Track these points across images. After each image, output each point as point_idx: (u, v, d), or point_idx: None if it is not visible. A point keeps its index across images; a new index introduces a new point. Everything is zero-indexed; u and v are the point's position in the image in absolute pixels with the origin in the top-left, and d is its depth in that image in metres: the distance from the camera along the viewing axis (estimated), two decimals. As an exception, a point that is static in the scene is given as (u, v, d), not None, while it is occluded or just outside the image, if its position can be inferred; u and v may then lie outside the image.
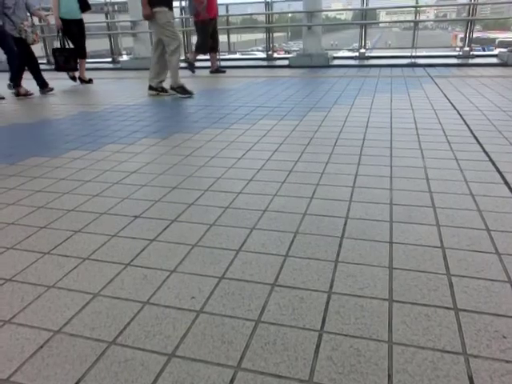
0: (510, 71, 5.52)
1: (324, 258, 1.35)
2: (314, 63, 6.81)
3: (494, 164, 2.13)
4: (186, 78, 5.67)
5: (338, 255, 1.36)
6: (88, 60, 5.85)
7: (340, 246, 1.42)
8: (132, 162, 2.43)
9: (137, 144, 2.80)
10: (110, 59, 8.87)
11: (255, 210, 1.72)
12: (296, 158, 2.35)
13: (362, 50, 7.50)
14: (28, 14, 5.29)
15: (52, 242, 1.53)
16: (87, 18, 5.94)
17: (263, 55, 8.44)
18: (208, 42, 6.26)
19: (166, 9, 4.39)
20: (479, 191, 1.81)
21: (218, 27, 6.86)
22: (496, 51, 7.47)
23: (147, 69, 7.81)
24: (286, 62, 7.21)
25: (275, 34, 8.37)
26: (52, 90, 5.31)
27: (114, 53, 8.91)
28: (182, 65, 5.53)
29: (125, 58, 8.86)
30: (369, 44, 8.65)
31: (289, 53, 9.01)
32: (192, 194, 1.91)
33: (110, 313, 1.14)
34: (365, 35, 7.54)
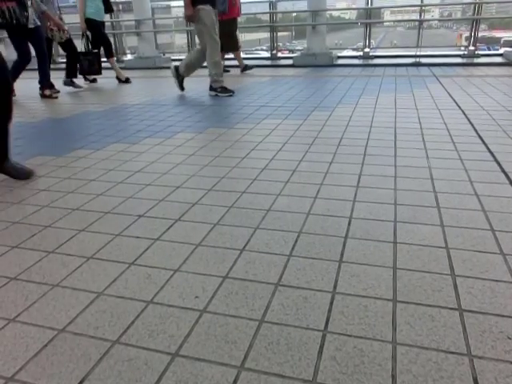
0: (515, 70, 5.49)
1: (328, 257, 1.35)
2: (319, 62, 6.80)
3: (499, 164, 2.12)
4: (188, 78, 5.66)
5: (341, 255, 1.36)
6: None
7: (344, 245, 1.42)
8: (136, 161, 2.43)
9: (141, 143, 2.80)
10: (114, 58, 8.89)
11: (259, 209, 1.72)
12: (300, 157, 2.35)
13: (367, 50, 7.48)
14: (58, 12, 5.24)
15: (56, 241, 1.54)
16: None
17: (267, 54, 8.44)
18: (236, 39, 6.25)
19: (210, 7, 4.23)
20: (484, 191, 1.81)
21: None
22: (501, 50, 7.42)
23: (152, 68, 7.81)
24: (290, 62, 7.21)
25: (279, 34, 8.35)
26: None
27: (118, 52, 8.93)
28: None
29: (129, 57, 8.89)
30: (373, 43, 8.62)
31: (293, 52, 8.99)
32: (196, 194, 1.91)
33: (114, 312, 1.14)
34: (369, 34, 7.52)
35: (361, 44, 8.00)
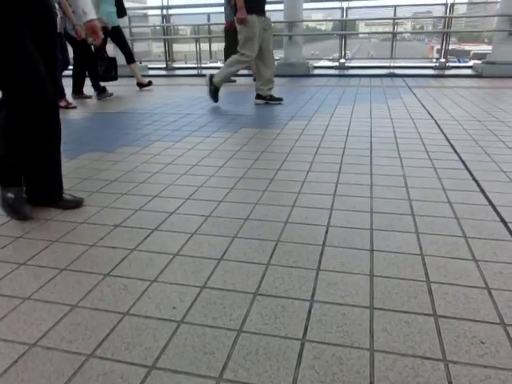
0: (484, 82, 5.69)
1: (306, 266, 1.36)
2: (295, 72, 6.88)
3: (470, 173, 2.18)
4: (166, 86, 5.63)
5: (319, 263, 1.37)
6: (71, 67, 5.71)
7: (321, 254, 1.43)
8: (112, 170, 2.40)
9: (116, 152, 2.76)
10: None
11: (237, 218, 1.72)
12: (277, 166, 2.36)
13: (342, 60, 7.62)
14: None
15: (28, 253, 1.49)
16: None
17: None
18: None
19: (255, 17, 4.11)
20: (457, 199, 1.85)
21: (200, 36, 6.76)
22: (471, 63, 7.70)
23: (128, 76, 7.71)
24: (267, 71, 7.26)
25: (256, 44, 8.41)
26: (112, 94, 5.43)
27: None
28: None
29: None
30: (348, 54, 8.81)
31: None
32: (173, 203, 1.89)
33: (89, 325, 1.11)
34: (345, 45, 7.67)
35: (336, 55, 8.15)
